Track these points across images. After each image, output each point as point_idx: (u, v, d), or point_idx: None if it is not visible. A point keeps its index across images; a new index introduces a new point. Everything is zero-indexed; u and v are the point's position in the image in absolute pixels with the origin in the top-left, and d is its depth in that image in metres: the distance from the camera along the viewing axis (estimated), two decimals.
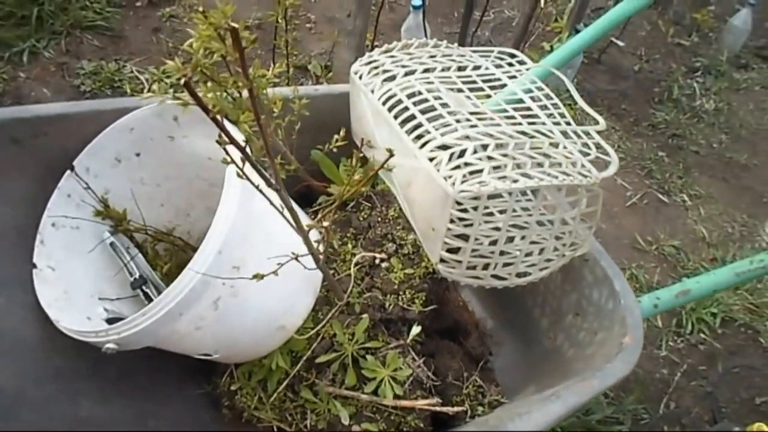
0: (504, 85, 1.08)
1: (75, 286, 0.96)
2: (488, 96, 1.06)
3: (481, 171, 0.86)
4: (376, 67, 1.09)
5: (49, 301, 0.89)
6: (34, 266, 0.92)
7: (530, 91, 1.07)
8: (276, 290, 0.93)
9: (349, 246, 1.08)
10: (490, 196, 0.85)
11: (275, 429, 1.01)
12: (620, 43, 2.56)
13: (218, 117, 0.55)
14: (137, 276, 1.03)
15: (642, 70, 2.64)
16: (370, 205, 1.12)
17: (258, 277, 0.73)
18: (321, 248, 0.87)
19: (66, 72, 2.08)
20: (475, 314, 1.33)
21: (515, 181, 0.85)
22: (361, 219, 1.10)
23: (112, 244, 1.04)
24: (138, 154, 1.05)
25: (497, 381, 1.17)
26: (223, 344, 0.93)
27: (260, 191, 0.74)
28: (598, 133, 1.02)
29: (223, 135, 0.60)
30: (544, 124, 1.00)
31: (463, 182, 0.84)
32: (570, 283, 1.14)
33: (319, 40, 2.47)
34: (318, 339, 0.99)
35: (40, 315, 0.87)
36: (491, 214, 0.96)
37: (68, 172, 0.99)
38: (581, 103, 1.08)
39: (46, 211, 0.97)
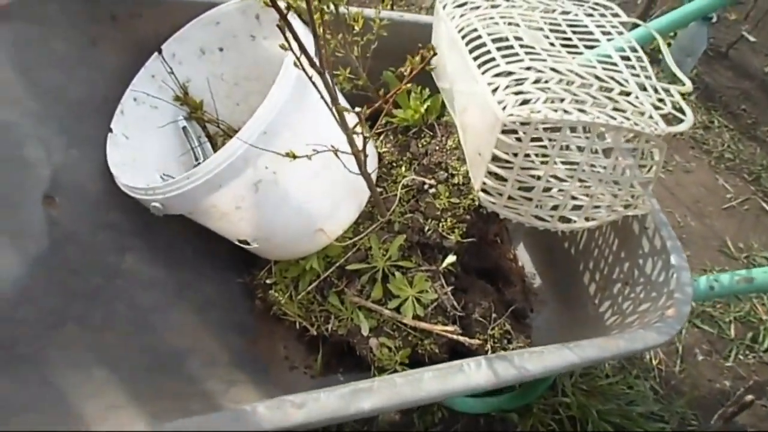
0: (590, 33, 1.04)
1: (143, 157, 1.03)
2: (569, 39, 1.02)
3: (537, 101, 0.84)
4: None
5: (116, 162, 0.96)
6: (110, 131, 1.00)
7: (622, 50, 1.02)
8: (318, 191, 0.96)
9: (403, 169, 1.09)
10: (540, 127, 0.83)
11: (298, 326, 1.05)
12: (752, 39, 2.35)
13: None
14: (202, 161, 1.09)
15: None
16: (431, 133, 1.12)
17: (291, 155, 0.76)
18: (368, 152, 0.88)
19: None
20: (524, 269, 1.30)
21: (568, 113, 0.82)
22: (420, 146, 1.11)
23: (184, 128, 1.11)
24: (221, 49, 1.11)
25: (530, 336, 1.15)
26: (261, 233, 0.97)
27: (314, 84, 0.77)
28: (682, 94, 0.96)
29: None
30: (620, 72, 0.95)
31: (514, 107, 0.83)
32: (626, 250, 1.10)
33: None
34: (354, 249, 1.01)
35: (108, 174, 0.95)
36: (540, 147, 0.92)
37: (155, 54, 1.07)
38: (670, 62, 1.03)
39: (130, 86, 1.05)
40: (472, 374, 0.78)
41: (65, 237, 0.87)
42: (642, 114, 0.89)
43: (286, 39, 0.71)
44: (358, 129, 0.80)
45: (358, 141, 0.83)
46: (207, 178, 0.82)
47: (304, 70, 0.74)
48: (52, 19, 1.00)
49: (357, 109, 0.78)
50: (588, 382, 1.48)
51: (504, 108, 0.83)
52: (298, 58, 0.73)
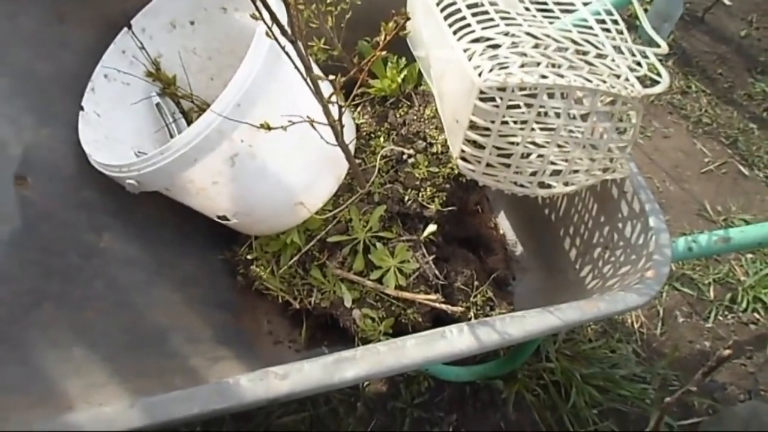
0: None
1: (116, 134, 1.01)
2: (545, 4, 1.01)
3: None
4: None
5: (88, 140, 0.95)
6: (81, 108, 0.98)
7: (598, 13, 1.02)
8: (296, 163, 0.96)
9: (381, 140, 1.08)
10: (516, 91, 0.83)
11: (281, 300, 1.05)
12: (728, 2, 2.36)
13: None
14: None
15: (749, 36, 2.42)
16: (409, 103, 1.11)
17: (265, 126, 0.75)
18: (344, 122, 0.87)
19: None
20: (505, 237, 1.31)
21: (544, 77, 0.82)
22: (398, 116, 1.10)
23: (158, 105, 1.09)
24: (192, 23, 1.09)
25: (513, 303, 1.16)
26: (240, 208, 0.96)
27: (287, 54, 0.75)
28: (658, 57, 0.96)
29: None
30: (596, 36, 0.95)
31: (490, 72, 0.82)
32: (605, 214, 1.10)
33: None
34: (334, 221, 1.01)
35: (80, 153, 0.94)
36: (518, 113, 0.92)
37: (125, 29, 1.04)
38: (646, 25, 1.03)
39: (100, 62, 1.02)
40: (455, 340, 0.78)
41: (39, 217, 0.85)
42: (618, 77, 0.89)
43: (257, 8, 0.70)
44: (334, 98, 0.79)
45: (334, 111, 0.82)
46: (182, 153, 0.81)
47: (276, 39, 0.73)
48: None
49: (331, 77, 0.77)
50: (571, 347, 1.50)
51: (480, 74, 0.82)
52: (269, 28, 0.72)
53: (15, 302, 0.78)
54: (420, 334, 0.78)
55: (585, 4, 1.04)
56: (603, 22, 0.98)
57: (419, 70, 1.12)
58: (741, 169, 2.02)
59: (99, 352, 0.84)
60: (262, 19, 0.71)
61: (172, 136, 1.08)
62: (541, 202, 1.26)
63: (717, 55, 2.36)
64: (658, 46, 0.96)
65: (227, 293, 1.11)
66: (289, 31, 0.72)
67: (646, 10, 2.21)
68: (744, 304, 1.70)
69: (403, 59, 1.13)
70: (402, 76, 1.11)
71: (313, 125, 0.80)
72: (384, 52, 0.81)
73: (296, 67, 0.76)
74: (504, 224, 1.34)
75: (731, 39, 2.42)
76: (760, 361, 1.62)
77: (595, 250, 1.12)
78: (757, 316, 1.70)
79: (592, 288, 1.08)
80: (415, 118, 1.08)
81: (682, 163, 2.00)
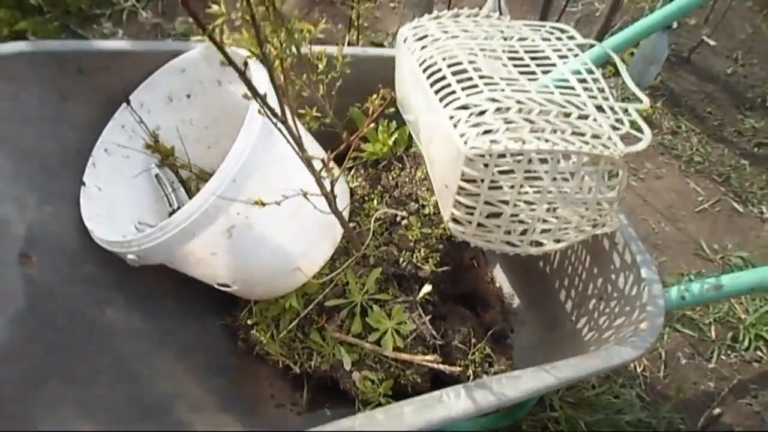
0: (547, 57, 1.07)
1: (117, 208, 1.04)
2: (527, 66, 1.05)
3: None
4: (421, 32, 1.11)
5: (89, 214, 0.97)
6: (83, 184, 1.01)
7: (579, 72, 1.05)
8: (292, 231, 0.98)
9: (374, 202, 1.11)
10: (503, 156, 0.85)
11: (281, 365, 1.06)
12: (712, 43, 2.42)
13: (220, 42, 0.60)
14: (176, 207, 1.11)
15: (735, 74, 2.48)
16: (400, 165, 1.14)
17: (259, 203, 0.78)
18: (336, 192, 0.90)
19: (159, 32, 2.23)
20: (502, 290, 1.32)
21: (528, 142, 0.85)
22: (390, 178, 1.13)
23: (157, 176, 1.12)
24: (189, 96, 1.13)
25: (512, 356, 1.17)
26: (239, 275, 0.98)
27: (279, 130, 0.78)
28: (640, 112, 0.99)
29: (246, 81, 0.65)
30: (578, 96, 0.98)
31: (476, 139, 0.85)
32: (598, 266, 1.12)
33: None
34: (331, 285, 1.03)
35: (82, 228, 0.96)
36: (504, 174, 0.95)
37: (124, 104, 1.08)
38: (628, 81, 1.06)
39: (100, 138, 1.06)
40: (452, 404, 0.79)
41: (43, 294, 0.88)
42: (601, 136, 0.92)
43: (249, 89, 0.73)
44: (325, 173, 0.82)
45: (327, 183, 0.85)
46: (180, 228, 0.83)
47: (269, 116, 0.76)
48: (21, 76, 1.01)
49: (323, 155, 0.80)
50: (575, 395, 1.50)
51: (466, 141, 0.85)
52: (261, 106, 0.75)
53: (21, 380, 0.80)
54: (418, 399, 0.79)
55: (561, 57, 1.08)
56: (584, 81, 1.02)
57: (409, 133, 1.15)
58: (735, 205, 2.05)
59: (105, 427, 0.85)
60: (254, 98, 0.74)
61: (171, 206, 1.11)
62: (535, 256, 1.28)
63: (705, 94, 2.41)
64: (641, 100, 0.99)
65: (229, 358, 1.12)
66: (279, 112, 0.75)
67: (632, 53, 2.27)
68: (746, 343, 1.71)
69: (394, 123, 1.17)
70: (393, 139, 1.15)
71: (306, 197, 0.83)
72: (373, 124, 0.84)
73: (288, 142, 0.79)
74: (500, 277, 1.36)
75: (718, 77, 2.48)
76: (766, 399, 1.61)
77: (590, 301, 1.13)
78: (759, 353, 1.70)
79: (589, 340, 1.09)
80: (407, 180, 1.11)
81: (676, 203, 2.03)
